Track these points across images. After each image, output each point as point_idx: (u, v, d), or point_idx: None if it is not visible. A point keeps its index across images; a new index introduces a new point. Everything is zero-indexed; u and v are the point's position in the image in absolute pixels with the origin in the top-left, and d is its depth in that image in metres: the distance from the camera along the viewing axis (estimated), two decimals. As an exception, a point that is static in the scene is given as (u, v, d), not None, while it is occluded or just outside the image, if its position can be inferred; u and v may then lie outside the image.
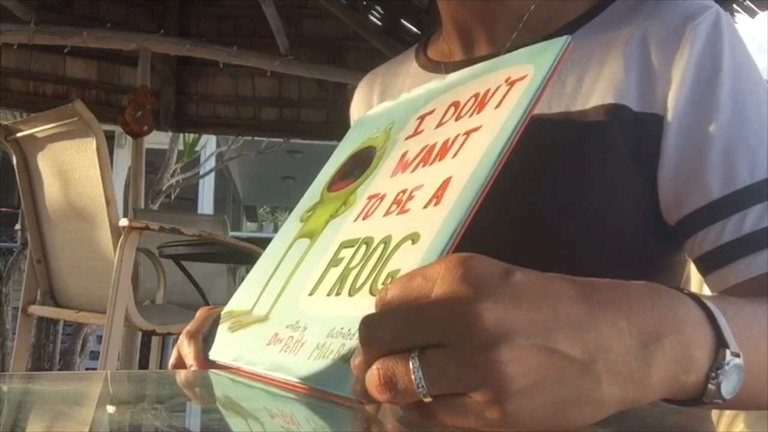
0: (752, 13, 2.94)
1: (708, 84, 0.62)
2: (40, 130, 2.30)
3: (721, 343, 0.39)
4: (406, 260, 0.45)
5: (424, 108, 0.63)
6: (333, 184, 0.66)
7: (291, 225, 0.67)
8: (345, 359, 0.42)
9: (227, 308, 0.65)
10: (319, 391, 0.44)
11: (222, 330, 0.63)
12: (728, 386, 0.38)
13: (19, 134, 2.40)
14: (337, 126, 4.09)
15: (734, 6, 2.91)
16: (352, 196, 0.60)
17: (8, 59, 3.78)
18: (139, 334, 2.93)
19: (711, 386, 0.38)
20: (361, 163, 0.64)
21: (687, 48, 0.63)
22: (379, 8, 3.67)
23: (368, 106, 0.89)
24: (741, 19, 2.95)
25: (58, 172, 2.33)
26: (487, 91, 0.54)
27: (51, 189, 2.38)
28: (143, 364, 3.31)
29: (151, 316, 2.21)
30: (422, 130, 0.60)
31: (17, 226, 5.09)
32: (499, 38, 0.75)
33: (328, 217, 0.60)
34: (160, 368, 3.00)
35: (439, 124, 0.58)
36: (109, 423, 0.41)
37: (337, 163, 0.69)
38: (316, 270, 0.54)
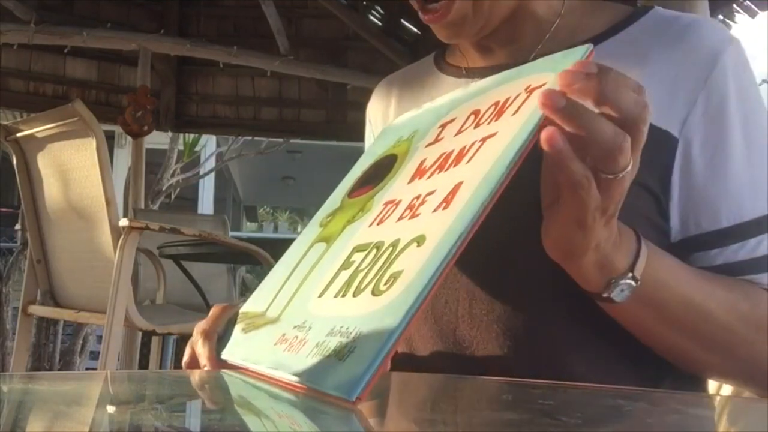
0: (752, 13, 2.94)
1: (724, 115, 0.67)
2: (40, 130, 2.30)
3: (631, 268, 0.58)
4: (411, 262, 0.45)
5: (446, 116, 0.63)
6: (353, 191, 0.67)
7: (311, 229, 0.68)
8: (339, 356, 0.42)
9: (243, 309, 0.66)
10: (315, 390, 0.44)
11: (236, 331, 0.63)
12: (621, 293, 0.58)
13: (19, 134, 2.40)
14: (337, 126, 4.10)
15: (734, 6, 2.91)
16: (370, 202, 0.60)
17: (8, 59, 3.78)
18: (139, 334, 2.93)
19: (613, 284, 0.58)
20: (381, 171, 0.65)
21: (708, 78, 0.67)
22: (379, 8, 3.67)
23: (385, 109, 0.90)
24: (741, 19, 2.95)
25: (58, 172, 2.33)
26: (507, 99, 0.55)
27: (51, 189, 2.38)
28: (143, 364, 3.31)
29: (151, 316, 2.21)
30: (442, 138, 0.60)
31: (17, 226, 5.09)
32: (522, 48, 0.76)
33: (345, 222, 0.61)
34: (160, 368, 3.00)
35: (459, 132, 0.58)
36: (109, 423, 0.41)
37: (360, 171, 0.70)
38: (328, 273, 0.55)
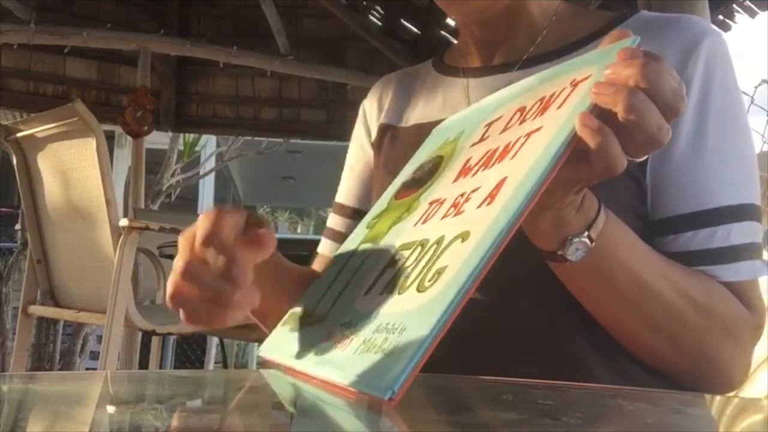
0: (752, 13, 2.94)
1: (698, 105, 0.69)
2: (40, 130, 2.30)
3: (588, 227, 0.58)
4: (454, 257, 0.45)
5: (492, 116, 0.64)
6: (400, 193, 0.67)
7: (359, 232, 0.68)
8: (385, 353, 0.42)
9: (292, 310, 0.66)
10: (352, 389, 0.43)
11: (283, 330, 0.64)
12: (575, 252, 0.58)
13: (19, 134, 2.40)
14: (337, 126, 4.09)
15: (734, 6, 2.91)
16: (416, 203, 0.61)
17: (8, 59, 3.77)
18: (139, 334, 2.92)
19: (568, 242, 0.58)
20: (428, 172, 0.66)
21: (688, 67, 0.69)
22: (379, 8, 3.67)
23: (379, 105, 0.93)
24: (741, 19, 2.95)
25: (58, 172, 2.33)
26: (552, 95, 0.55)
27: (51, 189, 2.38)
28: (143, 364, 3.30)
29: (151, 316, 2.20)
30: (488, 137, 0.61)
31: (17, 226, 5.09)
32: (516, 49, 0.80)
33: (391, 223, 0.62)
34: (160, 368, 3.00)
35: (504, 129, 0.59)
36: (109, 423, 0.41)
37: (408, 173, 0.70)
38: (373, 271, 0.55)
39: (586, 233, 0.59)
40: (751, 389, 0.94)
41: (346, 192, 0.93)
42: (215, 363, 4.20)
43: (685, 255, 0.68)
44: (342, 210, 0.92)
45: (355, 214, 0.90)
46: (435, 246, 0.49)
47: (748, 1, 2.89)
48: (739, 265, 0.67)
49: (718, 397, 0.66)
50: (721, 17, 2.94)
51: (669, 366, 0.68)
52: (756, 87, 2.39)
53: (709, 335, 0.65)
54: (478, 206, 0.49)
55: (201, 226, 0.55)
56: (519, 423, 0.41)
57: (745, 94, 2.36)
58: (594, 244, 0.59)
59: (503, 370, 0.64)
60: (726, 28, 2.98)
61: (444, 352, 0.71)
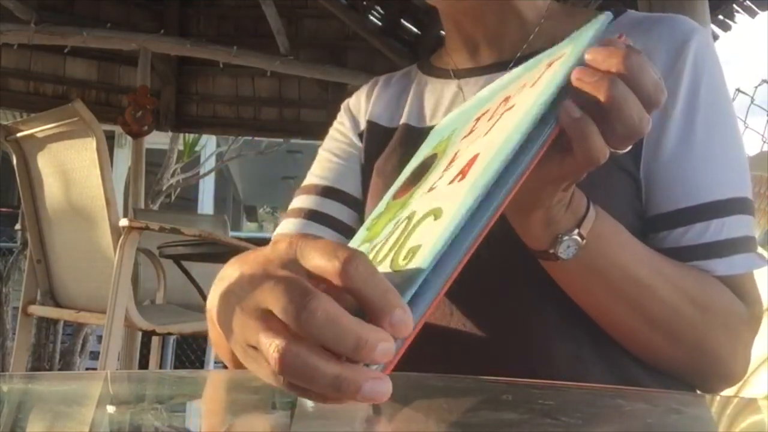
0: (752, 13, 2.94)
1: (688, 103, 0.70)
2: (40, 130, 2.30)
3: (578, 225, 0.59)
4: (428, 235, 0.45)
5: (482, 110, 0.65)
6: (398, 193, 0.68)
7: (359, 235, 0.69)
8: None
9: None
10: None
11: None
12: (567, 249, 0.59)
13: (19, 134, 2.40)
14: (337, 126, 4.10)
15: (734, 6, 2.91)
16: (410, 200, 0.61)
17: (8, 59, 3.78)
18: (139, 334, 2.93)
19: (559, 240, 0.59)
20: (423, 170, 0.66)
21: (677, 66, 0.70)
22: (379, 8, 3.67)
23: (366, 103, 0.93)
24: (741, 19, 2.95)
25: (58, 172, 2.33)
26: (531, 78, 0.56)
27: (51, 189, 2.38)
28: (143, 364, 3.31)
29: (151, 316, 2.21)
30: (476, 129, 0.61)
31: (17, 226, 5.09)
32: (506, 49, 0.81)
33: (387, 222, 0.62)
34: (160, 368, 3.00)
35: (490, 118, 0.59)
36: (109, 423, 0.41)
37: (406, 174, 0.71)
38: None
39: (577, 231, 0.59)
40: (751, 389, 0.94)
41: (320, 174, 0.89)
42: (215, 363, 4.20)
43: (679, 250, 0.68)
44: (314, 189, 0.87)
45: (329, 192, 0.86)
46: (406, 221, 0.49)
47: (748, 1, 2.89)
48: (734, 259, 0.67)
49: (717, 397, 0.66)
50: (721, 17, 2.95)
51: (667, 362, 0.68)
52: (756, 87, 2.38)
53: (706, 330, 0.65)
54: (450, 182, 0.50)
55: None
56: (519, 423, 0.41)
57: (745, 94, 2.36)
58: (585, 241, 0.59)
59: (499, 368, 0.64)
60: (726, 28, 2.98)
61: (439, 352, 0.72)
